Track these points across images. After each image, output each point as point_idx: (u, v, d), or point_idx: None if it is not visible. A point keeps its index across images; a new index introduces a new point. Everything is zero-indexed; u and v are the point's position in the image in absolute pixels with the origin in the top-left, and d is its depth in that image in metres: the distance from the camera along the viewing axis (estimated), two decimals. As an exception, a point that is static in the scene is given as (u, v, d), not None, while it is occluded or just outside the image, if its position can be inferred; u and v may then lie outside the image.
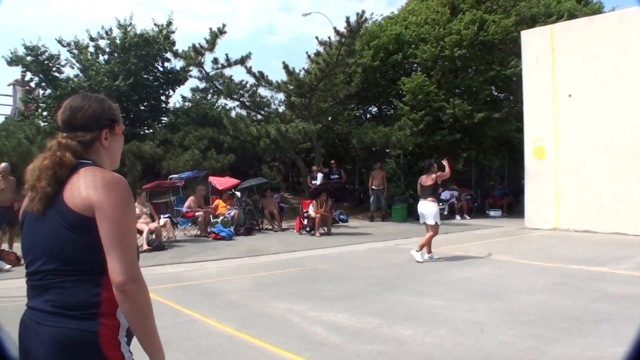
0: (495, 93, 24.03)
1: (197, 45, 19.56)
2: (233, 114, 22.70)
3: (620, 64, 15.34)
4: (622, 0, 76.76)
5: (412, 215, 20.39)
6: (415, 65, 23.30)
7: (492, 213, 21.99)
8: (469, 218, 20.87)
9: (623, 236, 14.30)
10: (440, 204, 21.27)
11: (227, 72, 21.17)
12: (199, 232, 15.93)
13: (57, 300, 2.06)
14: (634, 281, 8.72)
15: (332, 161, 21.44)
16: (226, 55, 20.51)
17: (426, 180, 11.41)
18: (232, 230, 15.65)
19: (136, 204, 14.54)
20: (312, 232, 16.26)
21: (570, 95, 15.83)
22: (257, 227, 17.38)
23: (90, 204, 2.05)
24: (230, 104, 23.38)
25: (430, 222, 11.19)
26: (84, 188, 2.07)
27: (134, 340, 2.16)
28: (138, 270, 2.06)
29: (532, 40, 17.71)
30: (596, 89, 15.77)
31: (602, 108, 15.64)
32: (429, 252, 11.40)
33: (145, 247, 12.90)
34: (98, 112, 2.29)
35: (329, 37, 19.57)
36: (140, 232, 13.10)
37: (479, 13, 21.55)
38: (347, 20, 18.59)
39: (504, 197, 22.74)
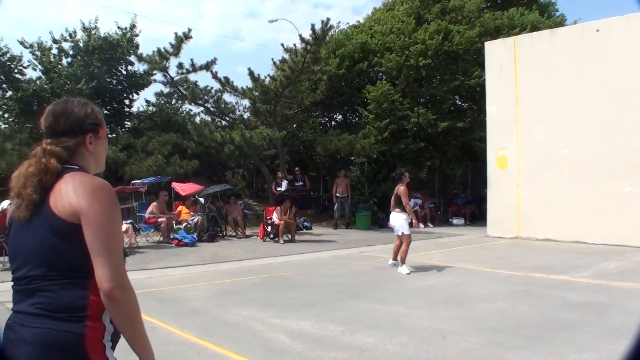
0: (459, 103, 24.34)
1: (162, 50, 19.41)
2: (197, 119, 22.59)
3: (581, 75, 15.64)
4: (584, 14, 78.25)
5: (376, 223, 20.52)
6: (381, 73, 23.44)
7: (455, 221, 22.18)
8: (432, 226, 21.03)
9: (583, 245, 14.54)
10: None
11: (192, 77, 21.14)
12: (161, 239, 15.79)
13: (43, 302, 2.05)
14: (593, 289, 8.86)
15: (297, 168, 21.42)
16: (191, 60, 20.40)
17: (401, 190, 11.13)
18: (195, 236, 15.53)
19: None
20: (276, 239, 16.22)
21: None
22: (220, 234, 17.28)
23: (75, 210, 2.05)
24: (195, 109, 23.37)
25: (399, 233, 11.09)
26: (69, 194, 2.07)
27: (124, 342, 2.16)
28: (125, 275, 2.07)
29: (495, 51, 17.95)
30: (557, 100, 16.05)
31: (563, 119, 15.92)
32: (395, 258, 11.37)
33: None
34: (81, 116, 2.29)
35: (295, 45, 19.62)
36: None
37: (443, 23, 21.79)
38: (313, 28, 18.64)
39: (467, 206, 22.97)
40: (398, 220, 11.00)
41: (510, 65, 17.30)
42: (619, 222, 14.54)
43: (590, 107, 15.38)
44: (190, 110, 23.75)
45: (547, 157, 16.08)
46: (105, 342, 2.11)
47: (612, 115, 15.00)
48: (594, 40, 15.59)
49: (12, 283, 2.18)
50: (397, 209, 11.02)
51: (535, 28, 20.95)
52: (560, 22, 24.71)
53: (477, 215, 22.40)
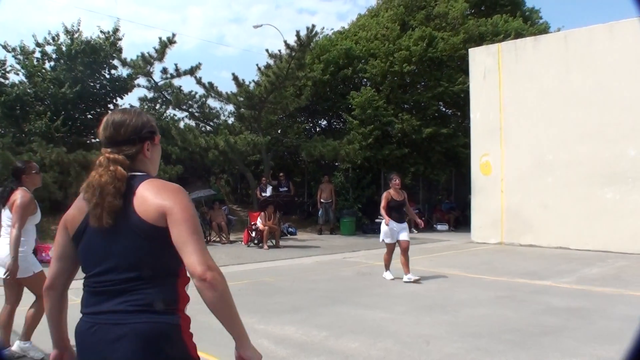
0: (443, 109, 24.43)
1: (146, 55, 19.33)
2: (182, 124, 22.45)
3: (564, 82, 15.78)
4: (567, 21, 78.91)
5: (361, 229, 20.54)
6: (365, 79, 23.50)
7: (439, 227, 22.25)
8: (416, 232, 21.04)
9: (566, 250, 14.63)
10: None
11: (176, 82, 21.00)
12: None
13: (138, 299, 2.21)
14: (576, 294, 8.91)
15: (281, 174, 21.39)
16: (175, 65, 20.30)
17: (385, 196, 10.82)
18: (179, 242, 15.43)
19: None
20: (260, 244, 16.19)
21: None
22: (205, 240, 17.17)
23: (162, 213, 2.21)
24: (179, 114, 23.17)
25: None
26: (154, 199, 2.24)
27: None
28: (212, 260, 2.23)
29: (479, 57, 18.06)
30: (541, 107, 16.17)
31: (546, 125, 16.04)
32: (406, 272, 10.61)
33: None
34: (139, 125, 2.42)
35: (280, 50, 19.59)
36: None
37: (428, 30, 21.89)
38: (298, 34, 18.65)
39: (451, 212, 23.06)
40: (382, 226, 10.74)
41: (494, 71, 17.41)
42: (601, 228, 14.66)
43: (573, 114, 15.52)
44: (174, 115, 23.64)
45: (530, 163, 16.19)
46: (191, 330, 2.39)
47: (595, 121, 15.14)
48: (577, 47, 15.75)
49: (88, 287, 2.32)
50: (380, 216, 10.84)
51: (519, 35, 21.11)
52: (544, 30, 24.96)
53: (461, 221, 22.49)
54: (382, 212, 10.66)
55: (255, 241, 16.49)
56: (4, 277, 5.70)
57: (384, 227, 10.61)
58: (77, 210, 2.37)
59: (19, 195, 5.67)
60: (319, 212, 20.70)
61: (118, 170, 2.28)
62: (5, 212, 5.83)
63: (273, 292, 9.62)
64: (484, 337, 6.53)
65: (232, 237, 17.80)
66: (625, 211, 14.57)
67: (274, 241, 16.48)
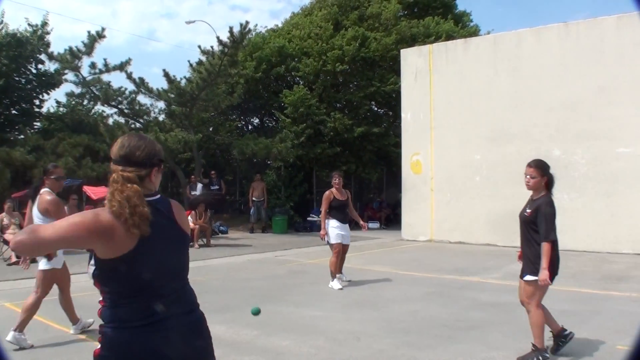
0: (375, 108, 24.65)
1: (75, 49, 18.77)
2: (110, 121, 21.98)
3: (493, 84, 16.19)
4: (497, 24, 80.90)
5: (293, 227, 20.54)
6: (298, 78, 23.51)
7: (370, 225, 22.37)
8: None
9: (494, 247, 14.99)
10: (319, 216, 21.54)
11: (106, 77, 20.44)
12: (71, 244, 15.27)
13: (188, 301, 2.72)
14: (503, 290, 9.11)
15: (213, 172, 21.17)
16: (105, 60, 19.77)
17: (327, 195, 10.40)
18: (107, 241, 15.11)
19: (3, 214, 13.80)
20: (191, 243, 15.99)
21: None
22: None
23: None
24: (108, 110, 22.67)
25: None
26: (184, 216, 2.74)
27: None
28: None
29: (411, 58, 18.30)
30: (470, 107, 16.54)
31: (475, 125, 16.41)
32: (339, 272, 10.30)
33: (14, 259, 12.13)
34: (152, 152, 2.64)
35: (212, 47, 19.37)
36: (8, 243, 12.36)
37: (361, 30, 22.04)
38: (231, 31, 18.46)
39: (382, 210, 23.29)
40: (329, 228, 10.30)
41: (425, 72, 17.69)
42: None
43: (501, 114, 15.95)
44: (103, 111, 23.14)
45: (459, 162, 16.51)
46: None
47: (521, 122, 15.60)
48: (505, 50, 16.19)
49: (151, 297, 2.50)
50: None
51: (450, 37, 21.49)
52: (474, 32, 25.50)
53: (392, 219, 22.75)
54: (322, 216, 10.30)
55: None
56: (44, 268, 6.34)
57: (331, 229, 10.23)
58: (110, 237, 2.39)
59: (49, 199, 6.19)
60: (251, 211, 20.61)
61: (134, 186, 2.47)
62: (35, 212, 6.32)
63: (203, 291, 9.48)
64: (413, 333, 6.62)
65: (162, 236, 17.52)
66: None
67: (205, 240, 16.31)
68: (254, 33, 23.18)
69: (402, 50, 19.08)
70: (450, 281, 10.22)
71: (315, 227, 20.99)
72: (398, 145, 19.54)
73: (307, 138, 21.28)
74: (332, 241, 10.03)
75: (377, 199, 24.95)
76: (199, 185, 19.27)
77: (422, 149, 17.62)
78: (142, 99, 21.53)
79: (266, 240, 17.66)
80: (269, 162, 22.88)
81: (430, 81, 17.60)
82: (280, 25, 26.63)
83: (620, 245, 14.09)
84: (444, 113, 17.17)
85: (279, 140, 19.90)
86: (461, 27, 25.61)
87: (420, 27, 22.92)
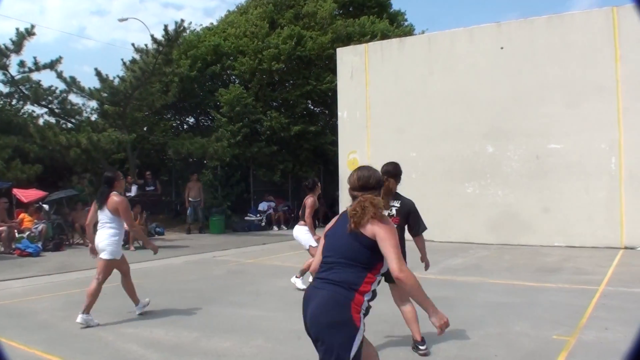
0: (312, 107, 24.73)
1: (2, 46, 18.15)
2: (41, 121, 21.31)
3: (428, 83, 16.45)
4: (431, 24, 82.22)
5: (230, 227, 20.41)
6: (234, 77, 23.40)
7: (308, 223, 22.44)
8: (286, 229, 21.18)
9: (431, 243, 14.99)
10: (258, 215, 21.47)
11: (35, 76, 19.84)
12: (2, 249, 14.78)
13: (340, 280, 3.51)
14: (441, 284, 9.25)
15: (148, 172, 20.80)
16: (34, 58, 19.19)
17: (307, 202, 9.87)
18: (39, 245, 14.73)
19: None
20: (126, 246, 15.68)
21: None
22: (67, 242, 16.48)
23: (375, 234, 3.51)
24: (38, 110, 21.92)
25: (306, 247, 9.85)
26: (372, 224, 3.54)
27: None
28: (405, 265, 3.47)
29: (347, 57, 18.40)
30: (406, 105, 16.75)
31: (410, 123, 16.62)
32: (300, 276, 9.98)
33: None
34: (379, 179, 3.91)
35: (146, 45, 19.05)
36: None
37: (297, 29, 22.07)
38: (166, 28, 18.19)
39: (320, 208, 23.31)
40: (301, 233, 9.84)
41: (361, 71, 17.81)
42: (463, 221, 15.41)
43: (435, 113, 16.21)
44: (33, 111, 22.33)
45: (395, 159, 16.52)
46: (361, 309, 3.54)
47: (456, 121, 15.89)
48: (439, 50, 16.45)
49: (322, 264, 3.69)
50: (302, 222, 9.85)
51: (385, 36, 21.72)
52: (409, 32, 25.84)
53: (329, 217, 22.67)
54: (309, 221, 9.74)
55: (122, 242, 15.94)
56: (107, 258, 7.62)
57: (307, 233, 9.75)
58: (331, 222, 4.02)
59: (118, 201, 7.49)
60: (188, 211, 20.36)
61: (370, 201, 3.62)
62: (104, 212, 7.55)
63: (141, 295, 9.31)
64: (355, 330, 6.63)
65: (96, 239, 17.13)
66: (484, 205, 15.39)
67: (140, 242, 16.01)
68: (189, 31, 22.89)
69: (338, 49, 19.17)
70: (397, 279, 10.27)
71: (253, 227, 20.93)
72: (335, 143, 19.64)
73: (244, 137, 21.19)
74: (314, 244, 9.48)
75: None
76: (134, 186, 18.93)
77: (359, 147, 17.74)
78: (74, 98, 20.94)
79: (204, 241, 17.48)
80: (205, 162, 22.65)
81: (366, 80, 17.74)
82: (215, 23, 26.42)
83: (553, 238, 14.52)
84: (380, 111, 17.33)
85: (215, 140, 19.72)
86: (396, 26, 25.93)
87: (356, 26, 23.10)
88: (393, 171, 6.51)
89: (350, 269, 3.51)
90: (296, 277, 9.71)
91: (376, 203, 3.61)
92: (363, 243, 3.50)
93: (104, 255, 7.58)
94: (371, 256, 3.51)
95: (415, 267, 8.26)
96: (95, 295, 7.40)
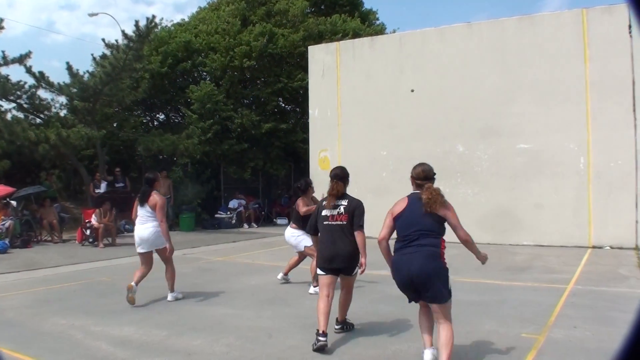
0: (283, 105, 24.70)
1: (-32, 41, 17.82)
2: (9, 116, 20.96)
3: (399, 81, 16.54)
4: (402, 23, 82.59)
5: (200, 225, 20.31)
6: (205, 73, 23.28)
7: (279, 221, 22.49)
8: (256, 226, 21.17)
9: (399, 241, 15.24)
10: (229, 212, 21.38)
11: (3, 70, 19.52)
12: (-32, 245, 14.57)
13: (427, 243, 5.09)
14: (409, 284, 9.29)
15: (117, 169, 20.58)
16: (2, 52, 18.87)
17: (299, 204, 9.50)
18: (6, 242, 14.53)
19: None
20: (96, 243, 15.56)
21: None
22: (35, 239, 16.28)
23: (445, 214, 5.24)
24: (6, 105, 21.57)
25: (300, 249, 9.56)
26: (443, 208, 5.29)
27: None
28: (467, 233, 5.27)
29: (318, 55, 18.41)
30: (377, 104, 16.83)
31: (381, 122, 16.70)
32: (286, 273, 10.02)
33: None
34: (433, 171, 5.60)
35: (117, 40, 18.85)
36: None
37: (268, 26, 22.02)
38: (137, 24, 18.03)
39: (290, 206, 23.33)
40: (292, 237, 9.59)
41: (333, 69, 17.84)
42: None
43: (406, 111, 16.31)
44: (1, 106, 21.94)
45: (366, 158, 16.73)
46: (445, 259, 5.22)
47: (426, 119, 16.00)
48: (411, 49, 16.54)
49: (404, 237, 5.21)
50: (294, 224, 9.62)
51: (356, 35, 21.78)
52: (380, 31, 25.94)
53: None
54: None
55: (90, 240, 15.81)
56: (143, 251, 8.81)
57: (301, 234, 9.40)
58: (399, 205, 5.49)
59: (158, 198, 8.55)
60: (157, 209, 20.17)
61: (435, 190, 5.32)
62: (145, 208, 8.64)
63: (110, 292, 9.26)
64: (325, 328, 6.66)
65: (64, 236, 16.96)
66: (454, 203, 15.26)
67: (110, 239, 15.89)
68: (160, 27, 22.69)
69: (309, 47, 19.18)
70: (360, 275, 10.32)
71: (223, 224, 20.85)
72: (306, 141, 19.65)
73: (215, 134, 21.09)
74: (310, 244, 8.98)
75: (285, 195, 25.01)
76: (104, 183, 18.75)
77: (330, 145, 17.77)
78: (43, 93, 20.64)
79: (173, 238, 17.04)
80: (175, 159, 22.50)
81: (338, 78, 17.77)
82: (186, 19, 26.25)
83: (522, 237, 14.70)
84: (351, 110, 17.38)
85: (185, 137, 19.61)
86: (367, 25, 26.02)
87: (328, 24, 23.12)
88: (341, 174, 6.79)
89: (432, 237, 5.12)
90: (313, 286, 9.02)
91: (440, 192, 5.30)
92: (437, 220, 5.19)
93: (160, 245, 8.76)
94: (441, 228, 5.22)
95: (384, 266, 8.33)
96: (174, 274, 8.97)
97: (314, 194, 9.71)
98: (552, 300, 7.89)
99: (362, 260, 6.49)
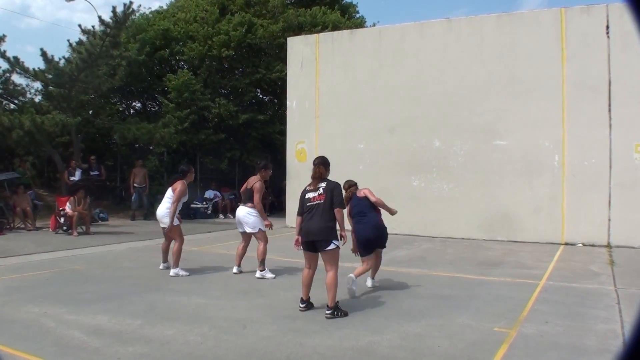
0: (261, 96, 24.65)
1: (-60, 24, 17.53)
2: (-19, 101, 20.71)
3: (377, 75, 16.57)
4: (382, 17, 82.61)
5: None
6: (182, 62, 23.15)
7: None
8: (232, 217, 21.07)
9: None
10: (204, 202, 21.31)
11: (-23, 55, 19.27)
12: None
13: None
14: (385, 276, 9.34)
15: (92, 157, 20.41)
16: (-26, 36, 18.63)
17: (253, 181, 9.93)
18: (-23, 229, 14.35)
19: None
20: (69, 231, 15.43)
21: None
22: (7, 227, 16.10)
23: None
24: (-21, 90, 21.31)
25: (254, 231, 9.86)
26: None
27: None
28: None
29: (298, 47, 18.37)
30: (355, 97, 16.85)
31: (359, 115, 16.73)
32: (239, 264, 10.15)
33: None
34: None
35: (93, 26, 18.65)
36: None
37: (247, 16, 21.92)
38: (114, 10, 17.85)
39: (267, 197, 23.29)
40: (250, 216, 9.79)
41: (312, 61, 17.81)
42: (408, 214, 15.51)
43: (384, 105, 16.36)
44: (-27, 91, 21.72)
45: (343, 151, 16.75)
46: None
47: (403, 113, 16.06)
48: (390, 43, 16.57)
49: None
50: (250, 204, 9.80)
51: (336, 27, 21.74)
52: (360, 24, 25.94)
53: (276, 206, 22.82)
54: (259, 207, 9.84)
55: (64, 227, 15.68)
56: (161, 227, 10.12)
57: (257, 216, 9.84)
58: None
59: (180, 185, 9.85)
60: (132, 197, 20.10)
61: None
62: (168, 191, 10.01)
63: (83, 281, 9.19)
64: (300, 319, 6.68)
65: (38, 224, 16.79)
66: (429, 198, 15.60)
67: (84, 227, 15.76)
68: (138, 14, 22.49)
69: (288, 39, 19.12)
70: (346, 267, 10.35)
71: (199, 214, 20.77)
72: (283, 133, 19.61)
73: (191, 124, 21.00)
74: (264, 228, 9.96)
75: (262, 186, 24.94)
76: (78, 171, 18.58)
77: (307, 137, 17.77)
78: (17, 78, 20.41)
79: (148, 228, 17.26)
80: (151, 148, 22.37)
81: (317, 70, 17.75)
82: (165, 7, 26.04)
83: (495, 232, 14.82)
84: (329, 102, 17.38)
85: (162, 125, 19.49)
86: (347, 18, 25.97)
87: (307, 16, 23.05)
88: (322, 161, 7.67)
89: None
90: (259, 270, 9.69)
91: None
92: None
93: (176, 222, 9.97)
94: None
95: (359, 259, 8.37)
96: (180, 253, 10.02)
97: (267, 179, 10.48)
98: (524, 296, 7.98)
99: (342, 232, 7.12)
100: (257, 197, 9.73)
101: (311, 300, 7.27)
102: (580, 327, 6.33)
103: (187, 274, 9.70)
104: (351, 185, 9.00)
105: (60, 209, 16.04)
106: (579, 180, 14.11)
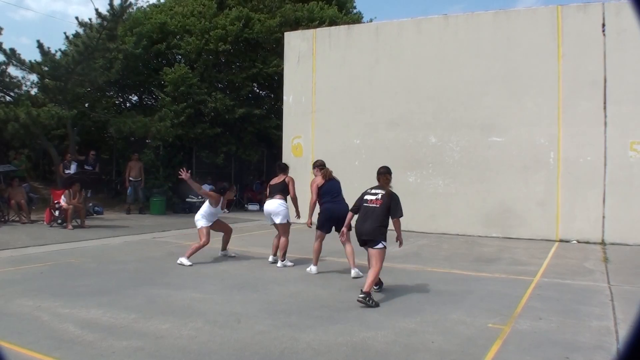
0: (257, 90, 24.61)
1: None
2: (-23, 93, 20.63)
3: (374, 71, 16.57)
4: (380, 12, 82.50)
5: (171, 208, 20.19)
6: (179, 56, 23.08)
7: (250, 207, 22.46)
8: (227, 212, 20.96)
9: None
10: (200, 197, 21.28)
11: (-28, 47, 19.17)
12: None
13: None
14: (380, 272, 9.34)
15: (92, 152, 20.27)
16: (-30, 28, 18.53)
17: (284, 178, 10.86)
18: (-28, 221, 14.32)
19: None
20: (64, 224, 15.41)
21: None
22: (2, 219, 16.09)
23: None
24: (-26, 82, 21.23)
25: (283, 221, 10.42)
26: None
27: None
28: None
29: (294, 42, 18.35)
30: (351, 92, 16.85)
31: (356, 110, 16.73)
32: (275, 253, 10.59)
33: None
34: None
35: (90, 19, 18.58)
36: None
37: (245, 10, 21.87)
38: (111, 3, 17.79)
39: (262, 192, 23.29)
40: (282, 207, 10.47)
41: (309, 56, 17.81)
42: (404, 210, 15.45)
43: (380, 101, 16.36)
44: (-31, 84, 21.62)
45: (340, 146, 16.75)
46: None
47: (400, 109, 16.07)
48: (387, 39, 16.57)
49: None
50: (279, 195, 10.59)
51: (333, 23, 21.71)
52: (357, 19, 25.90)
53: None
54: (295, 202, 10.93)
55: (59, 221, 15.66)
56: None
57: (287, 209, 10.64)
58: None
59: (207, 190, 11.37)
60: (128, 191, 20.07)
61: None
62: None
63: (78, 274, 9.18)
64: (294, 314, 6.68)
65: (33, 217, 16.76)
66: (425, 194, 15.61)
67: (79, 221, 15.74)
68: (135, 7, 22.41)
69: (285, 33, 19.10)
70: (330, 263, 10.39)
71: (194, 209, 20.71)
72: (279, 127, 19.60)
73: (187, 118, 20.94)
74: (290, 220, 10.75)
75: (257, 180, 24.97)
76: (73, 164, 18.55)
77: (303, 132, 17.77)
78: (13, 71, 20.35)
79: (143, 222, 17.27)
80: (147, 141, 22.31)
81: (313, 65, 17.74)
82: (162, 0, 25.93)
83: (490, 229, 14.85)
84: (326, 97, 17.38)
85: (158, 119, 19.44)
86: (345, 13, 25.94)
87: (305, 11, 23.00)
88: (387, 170, 8.75)
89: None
90: (281, 260, 10.30)
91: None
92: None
93: (203, 223, 11.32)
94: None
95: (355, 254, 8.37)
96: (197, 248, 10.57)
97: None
98: (518, 292, 8.00)
99: (400, 238, 8.12)
100: (292, 188, 10.83)
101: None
102: (574, 323, 6.35)
103: (191, 264, 10.11)
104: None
105: (56, 202, 16.01)
106: (574, 178, 14.15)
